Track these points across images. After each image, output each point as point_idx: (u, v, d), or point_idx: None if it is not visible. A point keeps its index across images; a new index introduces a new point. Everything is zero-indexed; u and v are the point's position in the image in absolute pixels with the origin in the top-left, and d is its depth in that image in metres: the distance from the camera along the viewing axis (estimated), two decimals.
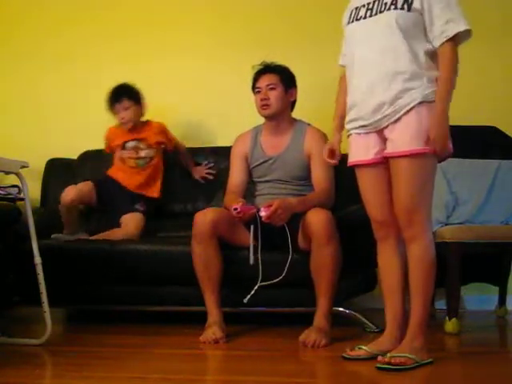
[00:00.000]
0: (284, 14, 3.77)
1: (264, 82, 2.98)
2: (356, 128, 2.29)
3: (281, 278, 2.70)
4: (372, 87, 2.18)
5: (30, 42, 3.92)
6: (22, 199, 2.83)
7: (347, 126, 2.34)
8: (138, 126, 3.38)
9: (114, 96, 3.32)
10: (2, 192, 3.31)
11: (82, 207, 3.35)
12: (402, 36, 2.14)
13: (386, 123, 2.19)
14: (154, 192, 3.40)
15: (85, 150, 3.72)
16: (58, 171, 3.71)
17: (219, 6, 3.82)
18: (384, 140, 2.23)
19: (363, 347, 2.30)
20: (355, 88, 2.25)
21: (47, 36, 3.91)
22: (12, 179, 2.87)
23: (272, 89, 2.96)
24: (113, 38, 3.86)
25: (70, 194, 3.19)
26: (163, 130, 3.44)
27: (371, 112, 2.20)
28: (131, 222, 3.24)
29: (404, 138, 2.16)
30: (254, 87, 3.02)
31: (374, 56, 2.18)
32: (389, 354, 2.17)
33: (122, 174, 3.38)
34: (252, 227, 2.76)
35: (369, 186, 2.33)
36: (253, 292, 2.71)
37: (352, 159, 2.36)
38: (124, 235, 3.16)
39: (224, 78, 3.74)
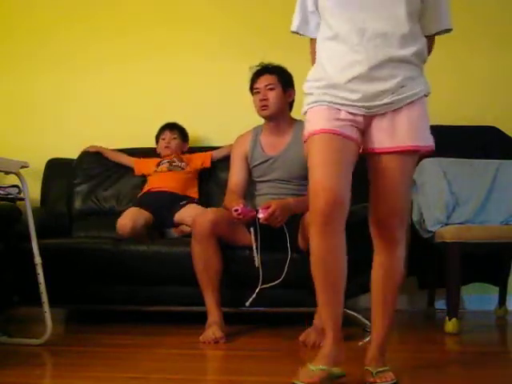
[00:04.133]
0: (284, 13, 3.77)
1: (262, 82, 2.98)
2: (335, 103, 1.97)
3: (281, 279, 2.71)
4: (374, 72, 1.92)
5: (30, 41, 3.91)
6: (22, 199, 2.83)
7: (319, 97, 1.99)
8: (174, 154, 3.54)
9: (169, 125, 3.56)
10: (1, 192, 3.30)
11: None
12: (407, 19, 1.93)
13: (385, 111, 1.95)
14: (195, 193, 3.44)
15: (84, 150, 3.72)
16: (58, 171, 3.72)
17: (220, 5, 3.82)
18: (366, 128, 1.98)
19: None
20: (342, 68, 1.95)
21: (47, 36, 3.91)
22: (12, 179, 2.87)
23: (271, 89, 2.96)
24: (112, 38, 3.85)
25: (125, 227, 3.05)
26: (194, 160, 3.54)
27: (370, 97, 1.93)
28: (195, 209, 3.17)
29: (404, 133, 1.95)
30: (252, 88, 3.03)
31: (379, 38, 1.92)
32: (374, 371, 2.00)
33: (161, 181, 3.40)
34: (252, 229, 2.76)
35: (336, 154, 1.95)
36: (254, 295, 2.72)
37: (323, 127, 1.96)
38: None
39: (224, 77, 3.74)
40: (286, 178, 2.98)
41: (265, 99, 2.96)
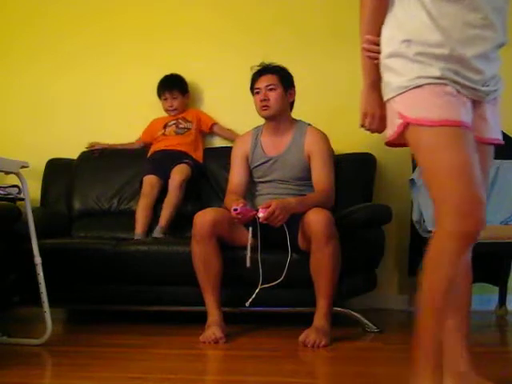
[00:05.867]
0: (283, 15, 3.77)
1: (263, 82, 2.98)
2: (457, 83, 1.62)
3: (281, 279, 2.70)
4: (493, 52, 1.66)
5: (33, 43, 3.91)
6: (22, 199, 2.83)
7: (444, 73, 1.60)
8: (181, 112, 3.64)
9: (167, 84, 3.62)
10: (2, 192, 3.30)
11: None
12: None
13: (483, 99, 1.69)
14: (198, 157, 3.55)
15: (85, 150, 3.72)
16: (58, 171, 3.72)
17: (219, 7, 3.82)
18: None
19: None
20: (469, 40, 1.62)
21: (50, 38, 3.90)
22: (12, 179, 2.87)
23: (272, 89, 2.96)
24: (114, 41, 3.85)
25: (147, 185, 3.37)
26: (198, 114, 3.67)
27: (486, 80, 1.66)
28: (176, 172, 3.35)
29: (494, 126, 1.74)
30: (252, 88, 3.03)
31: (501, 15, 1.65)
32: None
33: (166, 142, 3.54)
34: (251, 228, 2.75)
35: (474, 155, 1.60)
36: (254, 295, 2.72)
37: (454, 116, 1.59)
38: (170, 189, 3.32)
39: (224, 77, 3.74)
40: (287, 178, 2.98)
41: (265, 99, 2.95)
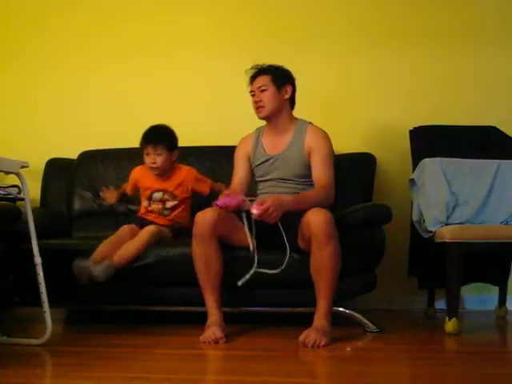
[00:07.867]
0: (283, 15, 3.78)
1: (256, 84, 3.00)
2: None
3: (279, 270, 2.68)
4: None
5: (30, 41, 3.92)
6: (22, 199, 2.83)
7: None
8: (165, 171, 3.24)
9: (150, 138, 3.18)
10: (2, 192, 3.31)
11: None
12: None
13: None
14: (184, 223, 3.21)
15: (85, 150, 3.72)
16: (58, 171, 3.72)
17: (219, 7, 3.82)
18: None
19: None
20: None
21: (49, 38, 3.91)
22: (12, 179, 2.87)
23: (263, 90, 2.97)
24: (114, 40, 3.86)
25: (125, 228, 3.09)
26: (193, 178, 3.28)
27: None
28: (147, 230, 3.04)
29: None
30: (250, 91, 3.04)
31: None
32: None
33: (152, 217, 3.22)
34: (244, 215, 2.73)
35: None
36: (248, 276, 2.67)
37: None
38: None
39: (224, 77, 3.74)
40: (288, 176, 2.98)
41: (258, 101, 2.97)
